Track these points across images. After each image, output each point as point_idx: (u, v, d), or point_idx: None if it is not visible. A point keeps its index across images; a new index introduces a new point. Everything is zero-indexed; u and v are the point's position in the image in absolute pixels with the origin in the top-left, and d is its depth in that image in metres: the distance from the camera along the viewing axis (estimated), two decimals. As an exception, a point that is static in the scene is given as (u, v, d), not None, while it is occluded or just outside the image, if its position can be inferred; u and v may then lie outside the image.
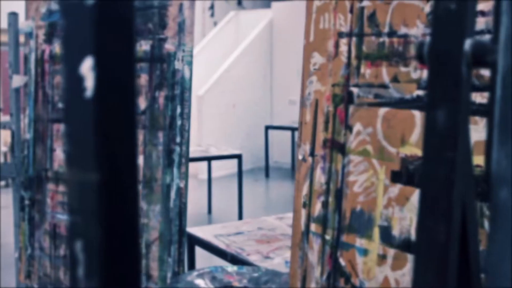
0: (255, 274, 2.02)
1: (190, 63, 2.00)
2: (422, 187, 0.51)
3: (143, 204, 2.11)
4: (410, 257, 1.33)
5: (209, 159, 5.71)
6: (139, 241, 0.38)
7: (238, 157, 5.67)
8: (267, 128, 7.96)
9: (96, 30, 0.36)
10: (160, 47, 2.05)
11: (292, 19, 8.19)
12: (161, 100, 2.04)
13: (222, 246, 2.86)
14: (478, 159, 1.20)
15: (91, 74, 0.36)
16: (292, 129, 8.03)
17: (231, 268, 2.06)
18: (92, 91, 0.36)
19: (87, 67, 0.36)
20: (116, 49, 0.37)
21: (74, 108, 0.37)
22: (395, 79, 1.36)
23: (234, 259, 2.77)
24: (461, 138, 0.47)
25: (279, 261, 2.68)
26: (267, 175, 7.95)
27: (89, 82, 0.36)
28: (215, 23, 9.91)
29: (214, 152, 5.74)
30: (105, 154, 0.37)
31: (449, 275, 0.45)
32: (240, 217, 5.76)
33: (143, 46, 2.10)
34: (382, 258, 1.39)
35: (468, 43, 0.49)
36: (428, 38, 1.21)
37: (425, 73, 1.30)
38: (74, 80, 0.36)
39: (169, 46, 2.03)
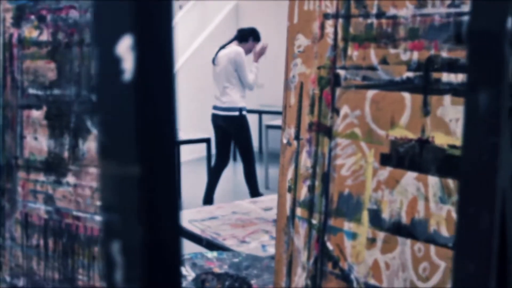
0: (236, 260, 2.00)
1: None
2: (463, 174, 0.49)
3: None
4: (400, 240, 1.32)
5: (178, 143, 5.65)
6: (180, 240, 0.35)
7: (207, 141, 5.63)
8: (234, 111, 7.91)
9: (136, 4, 0.32)
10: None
11: (258, 3, 8.13)
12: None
13: (197, 231, 2.83)
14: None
15: (130, 55, 0.32)
16: (260, 112, 8.01)
17: (210, 254, 2.03)
18: (132, 74, 0.32)
19: (125, 46, 0.32)
20: (156, 25, 0.33)
21: (109, 94, 0.33)
22: (384, 61, 1.34)
23: (210, 244, 2.75)
24: (504, 122, 0.45)
25: (255, 245, 2.67)
26: (234, 158, 7.92)
27: (128, 64, 0.32)
28: (180, 7, 9.78)
29: (182, 136, 5.68)
30: (147, 145, 0.33)
31: (491, 263, 0.44)
32: (211, 200, 5.73)
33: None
34: (372, 241, 1.38)
35: (510, 21, 0.47)
36: (466, 17, 1.19)
37: (415, 55, 1.29)
38: (109, 62, 0.32)
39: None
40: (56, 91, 2.21)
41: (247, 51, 5.61)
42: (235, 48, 5.56)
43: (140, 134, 0.32)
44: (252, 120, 8.40)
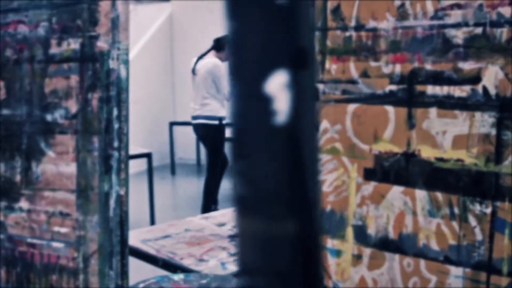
0: (204, 281, 1.93)
1: (126, 62, 1.87)
2: None
3: (78, 215, 1.96)
4: (388, 256, 1.31)
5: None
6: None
7: (148, 155, 5.51)
8: (172, 124, 7.81)
9: (293, 36, 0.27)
10: (92, 45, 1.90)
11: (192, 12, 8.07)
12: (94, 102, 1.90)
13: (152, 251, 2.75)
14: (459, 153, 1.19)
15: (284, 94, 0.27)
16: (197, 125, 7.93)
17: (177, 276, 1.96)
18: (286, 116, 0.27)
19: (277, 84, 0.27)
20: (308, 60, 0.28)
21: (255, 138, 0.28)
22: (364, 74, 1.33)
23: (167, 265, 2.67)
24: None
25: (214, 263, 2.61)
26: (173, 172, 7.80)
27: (281, 104, 0.27)
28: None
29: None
30: (301, 198, 0.28)
31: None
32: (152, 217, 5.59)
33: (72, 44, 1.94)
34: (357, 258, 1.35)
35: None
36: (450, 30, 1.18)
37: (397, 68, 1.28)
38: (256, 102, 0.27)
39: (101, 44, 1.89)
40: (5, 111, 2.09)
41: (226, 59, 5.55)
42: (213, 60, 5.50)
43: (294, 185, 0.27)
44: (189, 133, 8.31)
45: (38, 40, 2.00)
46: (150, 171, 5.59)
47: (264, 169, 0.28)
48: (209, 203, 5.71)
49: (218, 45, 5.61)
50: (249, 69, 0.27)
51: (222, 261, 2.60)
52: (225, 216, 3.28)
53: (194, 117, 5.60)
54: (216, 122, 5.56)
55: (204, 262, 2.59)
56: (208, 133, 5.66)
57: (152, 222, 5.38)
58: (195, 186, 7.31)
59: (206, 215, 3.38)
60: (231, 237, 2.90)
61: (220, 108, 5.57)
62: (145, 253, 2.76)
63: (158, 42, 8.41)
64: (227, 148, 5.71)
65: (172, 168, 7.84)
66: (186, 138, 8.38)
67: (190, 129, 8.20)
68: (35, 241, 2.06)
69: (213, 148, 5.64)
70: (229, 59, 0.28)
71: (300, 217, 0.28)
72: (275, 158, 0.28)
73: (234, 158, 0.29)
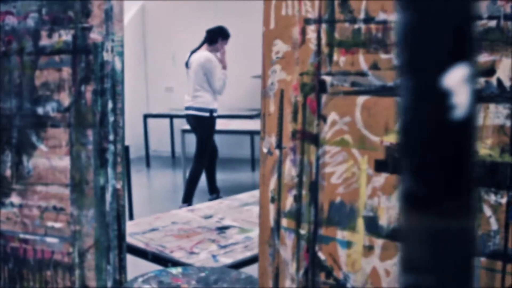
0: (202, 274, 1.92)
1: (121, 54, 1.83)
2: None
3: (73, 210, 1.92)
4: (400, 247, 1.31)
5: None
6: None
7: (125, 148, 5.45)
8: (146, 116, 7.73)
9: (467, 27, 0.27)
10: (84, 37, 1.86)
11: (164, 4, 7.98)
12: (88, 95, 1.86)
13: (140, 245, 2.72)
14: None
15: (463, 88, 0.27)
16: (171, 117, 7.87)
17: (175, 270, 1.94)
18: (466, 110, 0.27)
19: (457, 78, 0.27)
20: (473, 47, 0.28)
21: (429, 133, 0.27)
22: (374, 67, 1.33)
23: (156, 258, 2.65)
24: None
25: (205, 255, 2.60)
26: (148, 165, 7.74)
27: (461, 98, 0.27)
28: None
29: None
30: (472, 193, 0.28)
31: None
32: (131, 210, 5.55)
33: (63, 36, 1.90)
34: (369, 249, 1.36)
35: None
36: None
37: (408, 60, 1.28)
38: (431, 96, 0.27)
39: (95, 36, 1.85)
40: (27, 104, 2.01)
41: (222, 51, 5.51)
42: (205, 54, 5.51)
43: (466, 182, 0.27)
44: (163, 125, 8.25)
45: (27, 31, 1.94)
46: (127, 164, 5.53)
47: (437, 165, 0.27)
48: (191, 192, 5.74)
49: (210, 37, 5.61)
50: (425, 62, 0.27)
51: (213, 253, 2.59)
52: (211, 209, 3.27)
53: (186, 108, 5.67)
54: (207, 114, 5.62)
55: (195, 254, 2.58)
56: (198, 124, 5.72)
57: (131, 215, 5.34)
58: (170, 178, 7.27)
59: (191, 207, 3.36)
60: (219, 229, 2.89)
61: (211, 101, 5.63)
62: (134, 247, 2.74)
63: (130, 35, 8.29)
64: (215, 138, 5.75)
65: (147, 160, 7.78)
66: (160, 131, 8.31)
67: (164, 121, 8.14)
68: (27, 236, 2.01)
69: (203, 139, 5.71)
70: (400, 53, 0.27)
71: (470, 214, 0.28)
72: (449, 153, 0.27)
73: (403, 154, 0.28)
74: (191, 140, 7.50)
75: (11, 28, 2.01)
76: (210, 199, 5.77)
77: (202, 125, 5.68)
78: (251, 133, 6.78)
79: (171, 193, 6.54)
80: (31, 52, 1.97)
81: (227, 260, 2.54)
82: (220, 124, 6.41)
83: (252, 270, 2.10)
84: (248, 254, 2.58)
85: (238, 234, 2.83)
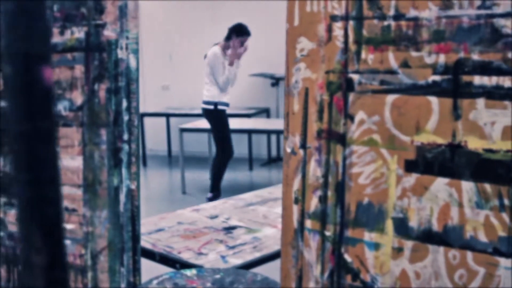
0: (217, 276, 1.89)
1: (136, 52, 1.80)
2: None
3: (85, 211, 1.88)
4: (431, 248, 1.29)
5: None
6: None
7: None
8: (142, 115, 7.67)
9: None
10: (98, 34, 1.82)
11: (161, 2, 7.92)
12: (101, 94, 1.82)
13: (148, 245, 2.69)
14: (508, 144, 1.18)
15: None
16: (167, 115, 7.82)
17: (189, 272, 1.91)
18: None
19: None
20: None
21: None
22: (405, 65, 1.30)
23: (164, 259, 2.61)
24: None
25: (214, 256, 2.57)
26: (144, 164, 7.69)
27: None
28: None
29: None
30: None
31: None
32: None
33: (76, 33, 1.86)
34: (398, 251, 1.33)
35: None
36: (498, 19, 1.16)
37: (441, 58, 1.25)
38: None
39: (108, 33, 1.81)
40: (3, 103, 1.95)
41: (233, 48, 5.46)
42: (213, 49, 5.55)
43: None
44: (159, 124, 8.20)
45: None
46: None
47: None
48: (215, 185, 5.80)
49: (227, 34, 5.65)
50: None
51: (222, 254, 2.56)
52: (216, 209, 3.23)
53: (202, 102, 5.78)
54: (212, 107, 5.68)
55: (203, 255, 2.54)
56: (205, 116, 5.83)
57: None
58: (167, 177, 7.22)
59: (196, 207, 3.32)
60: (226, 230, 2.86)
61: (217, 94, 5.71)
62: (141, 248, 2.70)
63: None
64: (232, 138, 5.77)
65: (144, 159, 7.73)
66: (156, 129, 8.26)
67: (160, 120, 8.09)
68: None
69: (214, 132, 5.77)
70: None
71: None
72: None
73: None
74: (188, 138, 7.47)
75: None
76: (208, 198, 5.74)
77: (209, 117, 5.77)
78: (249, 132, 6.75)
79: (169, 193, 6.50)
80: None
81: (236, 261, 2.51)
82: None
83: (261, 271, 2.07)
84: (257, 254, 2.55)
85: (246, 234, 2.80)
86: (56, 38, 1.89)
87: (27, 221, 0.38)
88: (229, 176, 6.65)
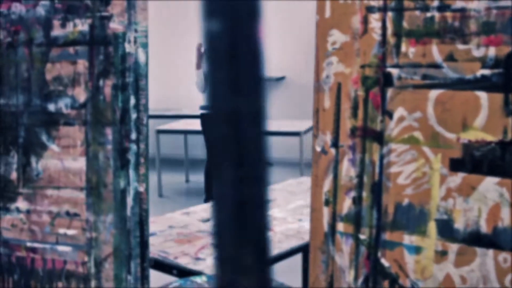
0: (228, 282, 1.80)
1: (145, 46, 1.69)
2: None
3: (89, 215, 1.76)
4: (479, 251, 1.22)
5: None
6: None
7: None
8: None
9: None
10: (103, 27, 1.71)
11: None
12: (107, 90, 1.71)
13: (141, 251, 2.56)
14: None
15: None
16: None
17: (199, 278, 1.81)
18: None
19: None
20: None
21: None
22: (450, 58, 1.24)
23: (160, 265, 2.50)
24: None
25: (212, 262, 2.46)
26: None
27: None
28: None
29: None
30: None
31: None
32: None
33: (79, 26, 1.74)
34: (442, 254, 1.27)
35: None
36: (494, 12, 1.09)
37: (491, 51, 1.19)
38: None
39: (115, 26, 1.70)
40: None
41: (197, 50, 5.26)
42: None
43: None
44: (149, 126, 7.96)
45: (37, 20, 1.76)
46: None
47: None
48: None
49: None
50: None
51: (220, 259, 2.46)
52: (207, 211, 3.13)
53: None
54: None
55: (202, 260, 2.44)
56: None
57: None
58: (154, 181, 7.04)
59: (186, 210, 3.21)
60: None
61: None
62: (133, 253, 2.57)
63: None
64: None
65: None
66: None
67: (150, 122, 7.86)
68: (36, 245, 1.82)
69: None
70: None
71: None
72: None
73: None
74: (169, 140, 7.30)
75: (18, 17, 1.84)
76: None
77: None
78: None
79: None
80: (41, 43, 1.80)
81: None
82: (188, 124, 6.25)
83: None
84: (257, 259, 2.47)
85: (242, 238, 2.71)
86: (57, 31, 1.77)
87: (235, 233, 0.29)
88: (196, 178, 6.52)
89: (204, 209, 3.21)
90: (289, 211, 3.06)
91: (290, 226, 2.82)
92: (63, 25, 1.75)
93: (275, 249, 2.56)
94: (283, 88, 7.16)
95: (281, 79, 7.08)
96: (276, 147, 6.93)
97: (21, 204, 1.87)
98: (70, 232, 1.79)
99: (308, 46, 7.18)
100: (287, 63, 6.98)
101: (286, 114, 6.77)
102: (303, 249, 2.62)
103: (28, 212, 1.86)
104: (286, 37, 6.92)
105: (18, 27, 1.83)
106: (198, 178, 6.45)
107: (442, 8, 1.24)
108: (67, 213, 1.79)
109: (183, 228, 2.90)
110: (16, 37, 1.83)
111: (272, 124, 5.50)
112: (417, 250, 1.29)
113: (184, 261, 2.46)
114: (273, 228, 2.79)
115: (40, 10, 1.81)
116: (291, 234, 2.72)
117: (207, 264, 2.44)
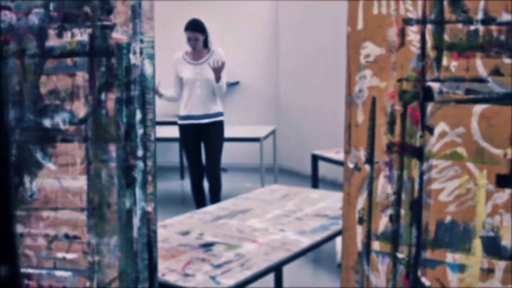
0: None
1: (152, 57, 1.59)
2: None
3: (90, 238, 1.65)
4: (529, 269, 1.21)
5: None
6: None
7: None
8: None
9: None
10: (105, 37, 1.60)
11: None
12: (109, 104, 1.60)
13: (123, 268, 2.45)
14: None
15: None
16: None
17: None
18: None
19: None
20: None
21: None
22: (496, 72, 1.21)
23: (145, 283, 2.39)
24: None
25: (202, 277, 2.38)
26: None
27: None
28: None
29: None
30: None
31: None
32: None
33: (78, 36, 1.62)
34: (488, 272, 1.24)
35: None
36: None
37: (540, 65, 1.18)
38: None
39: (118, 36, 1.59)
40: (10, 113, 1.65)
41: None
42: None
43: None
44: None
45: (29, 30, 1.61)
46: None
47: None
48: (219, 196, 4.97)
49: None
50: None
51: (210, 274, 2.38)
52: (184, 224, 3.03)
53: None
54: (223, 118, 4.94)
55: (191, 276, 2.35)
56: (219, 128, 4.94)
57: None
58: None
59: (162, 223, 3.10)
60: (204, 247, 2.67)
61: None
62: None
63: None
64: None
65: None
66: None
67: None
68: (30, 270, 1.67)
69: (221, 145, 4.93)
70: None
71: None
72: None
73: None
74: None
75: (8, 25, 1.70)
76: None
77: (220, 130, 4.92)
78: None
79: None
80: (34, 54, 1.67)
81: (228, 281, 2.33)
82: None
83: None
84: (248, 273, 2.39)
85: (227, 251, 2.62)
86: (53, 41, 1.65)
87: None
88: (160, 185, 6.40)
89: (180, 221, 3.11)
90: (269, 221, 3.00)
91: (273, 237, 2.76)
92: (59, 35, 1.63)
93: (263, 262, 2.50)
94: (237, 93, 7.09)
95: (235, 84, 7.01)
96: (235, 153, 6.87)
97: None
98: (70, 256, 1.67)
99: (261, 51, 7.15)
100: (241, 68, 6.91)
101: (242, 120, 6.72)
102: (291, 261, 2.57)
103: (21, 235, 1.72)
104: (240, 42, 6.86)
105: (7, 37, 1.69)
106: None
107: (486, 21, 1.21)
108: (66, 236, 1.67)
109: (164, 242, 2.79)
110: (6, 47, 1.68)
111: (231, 130, 5.43)
112: (461, 268, 1.26)
113: (173, 278, 2.36)
114: (257, 239, 2.72)
115: (33, 19, 1.68)
116: (277, 246, 2.67)
117: (198, 280, 2.35)
